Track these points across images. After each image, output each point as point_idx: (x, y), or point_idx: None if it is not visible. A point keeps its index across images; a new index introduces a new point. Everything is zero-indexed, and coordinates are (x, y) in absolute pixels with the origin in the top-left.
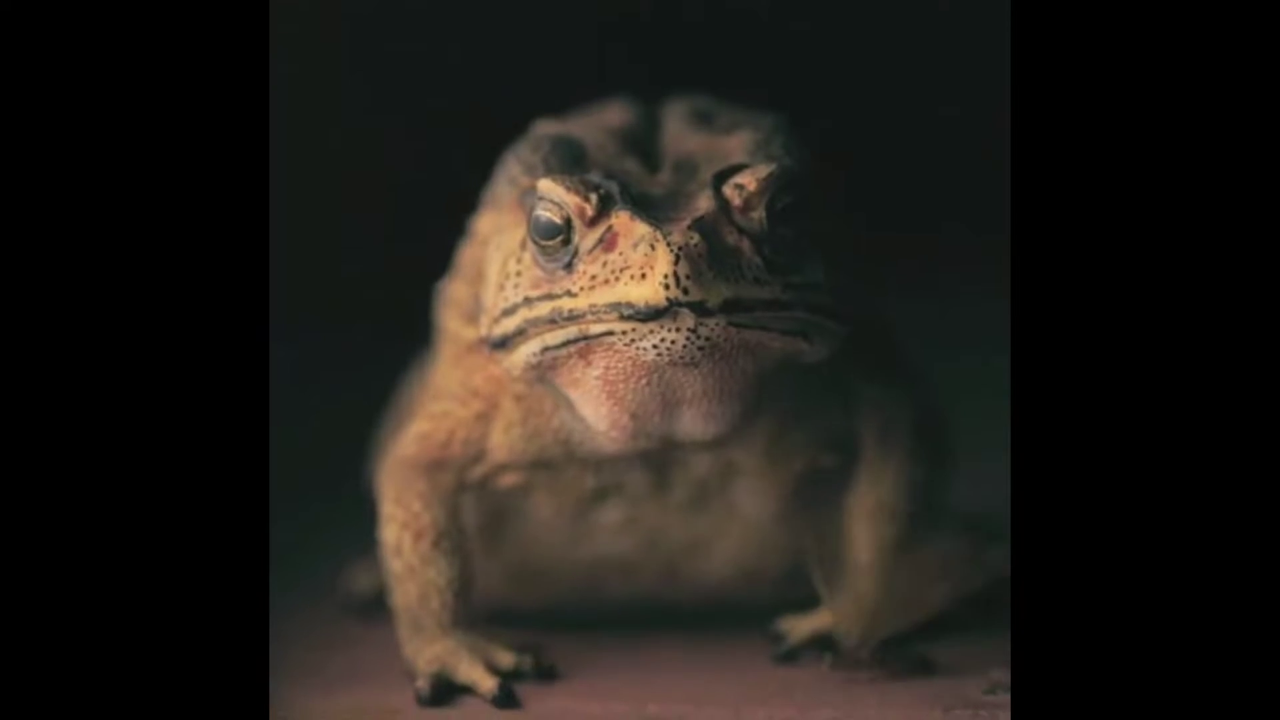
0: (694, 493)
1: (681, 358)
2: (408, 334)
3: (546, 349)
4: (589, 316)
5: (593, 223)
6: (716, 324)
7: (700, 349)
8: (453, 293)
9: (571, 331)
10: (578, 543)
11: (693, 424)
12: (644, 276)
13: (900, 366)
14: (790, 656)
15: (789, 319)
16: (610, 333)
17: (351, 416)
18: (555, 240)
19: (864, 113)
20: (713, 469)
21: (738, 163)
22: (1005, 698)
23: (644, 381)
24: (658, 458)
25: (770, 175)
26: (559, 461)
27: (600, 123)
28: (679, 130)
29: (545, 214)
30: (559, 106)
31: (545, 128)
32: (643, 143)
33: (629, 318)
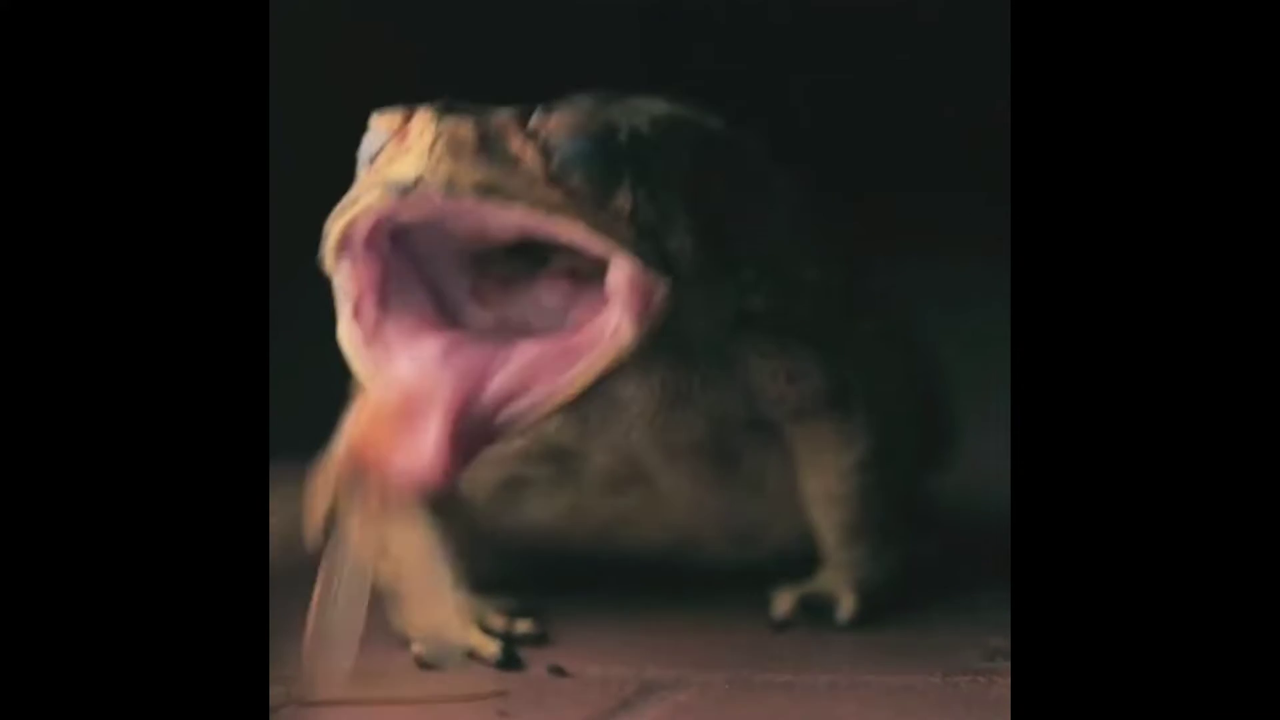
0: (605, 480)
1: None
2: None
3: (336, 242)
4: (361, 194)
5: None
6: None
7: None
8: None
9: (346, 216)
10: (503, 515)
11: None
12: (409, 153)
13: (821, 346)
14: (785, 624)
15: (565, 221)
16: (371, 206)
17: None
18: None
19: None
20: (614, 460)
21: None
22: (1003, 665)
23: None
24: (553, 455)
25: (578, 118)
26: None
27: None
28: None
29: (370, 141)
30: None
31: None
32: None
33: (387, 192)
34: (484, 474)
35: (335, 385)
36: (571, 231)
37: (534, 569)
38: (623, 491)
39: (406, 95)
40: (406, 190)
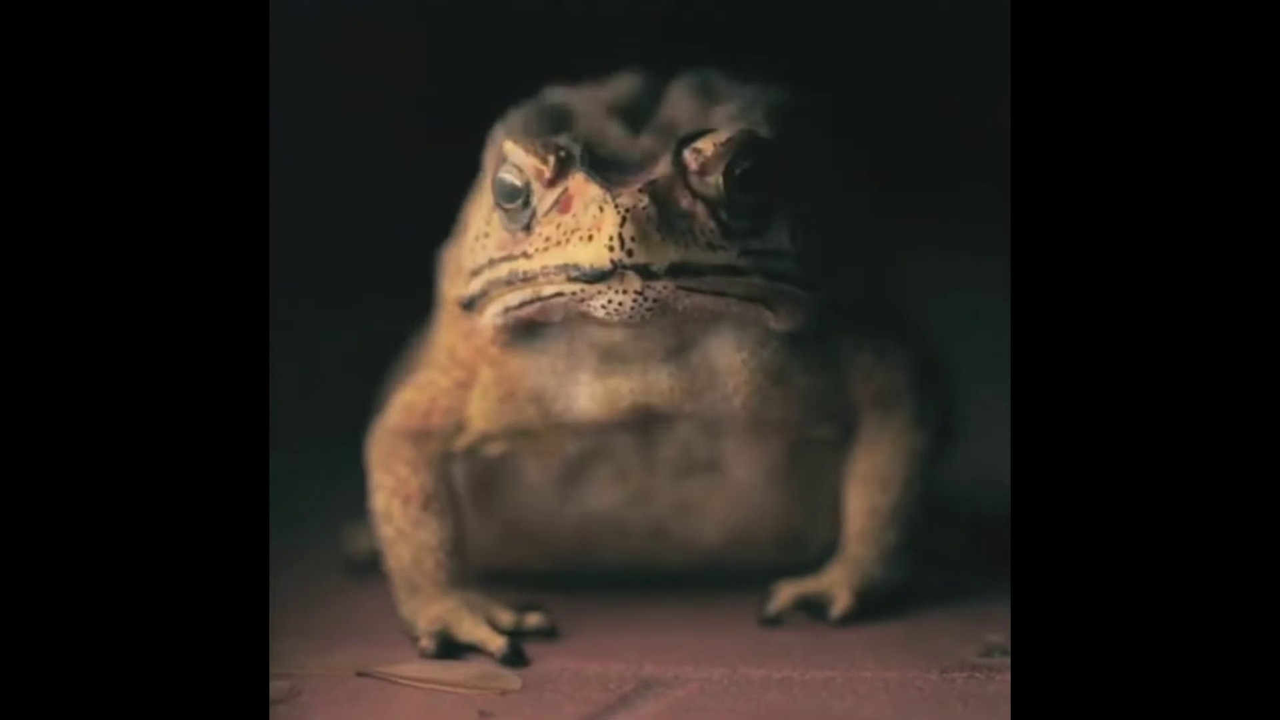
0: (680, 458)
1: (630, 318)
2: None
3: (507, 310)
4: (541, 278)
5: (551, 184)
6: (664, 286)
7: (649, 310)
8: (452, 257)
9: (527, 293)
10: (567, 504)
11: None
12: (591, 238)
13: (899, 333)
14: (775, 620)
15: (745, 285)
16: (561, 294)
17: (353, 378)
18: (517, 203)
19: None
20: (697, 434)
21: (703, 129)
22: (999, 660)
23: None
24: (640, 424)
25: (728, 141)
26: (537, 429)
27: (602, 90)
28: (677, 100)
29: (507, 177)
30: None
31: (553, 94)
32: (638, 111)
33: (576, 279)
34: (560, 445)
35: (335, 384)
36: (749, 293)
37: (537, 567)
38: (692, 475)
39: (406, 94)
40: (603, 278)
